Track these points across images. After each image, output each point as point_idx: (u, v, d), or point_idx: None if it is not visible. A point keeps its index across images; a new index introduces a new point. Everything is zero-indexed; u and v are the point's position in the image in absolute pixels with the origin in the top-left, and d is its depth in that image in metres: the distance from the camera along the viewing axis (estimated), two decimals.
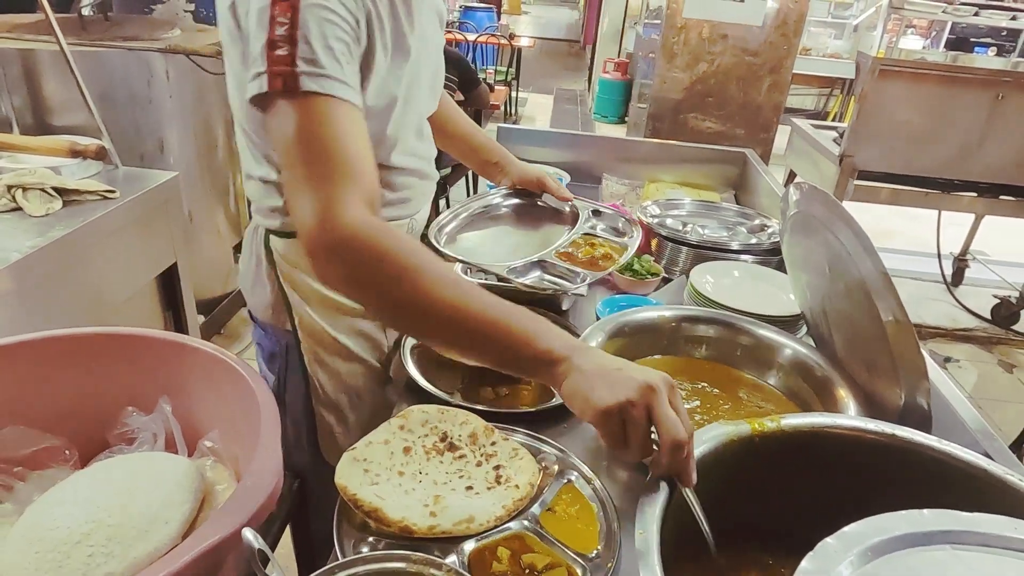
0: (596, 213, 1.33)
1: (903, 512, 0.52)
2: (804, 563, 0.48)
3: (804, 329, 1.18)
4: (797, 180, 0.97)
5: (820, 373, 0.96)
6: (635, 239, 1.27)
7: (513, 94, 6.82)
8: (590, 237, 1.28)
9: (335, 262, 0.72)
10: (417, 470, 0.86)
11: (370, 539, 0.75)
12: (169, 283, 1.90)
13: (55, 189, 1.52)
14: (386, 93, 0.92)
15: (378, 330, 1.11)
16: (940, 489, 0.67)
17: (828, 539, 0.50)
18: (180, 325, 1.96)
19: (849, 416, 0.70)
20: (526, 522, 0.79)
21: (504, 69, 6.76)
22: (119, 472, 0.81)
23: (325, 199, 0.71)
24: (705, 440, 0.67)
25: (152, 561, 0.70)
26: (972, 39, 6.08)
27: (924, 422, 0.80)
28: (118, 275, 1.66)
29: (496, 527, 0.77)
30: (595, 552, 0.75)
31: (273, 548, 0.98)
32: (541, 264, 1.16)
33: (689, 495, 0.61)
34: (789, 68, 2.68)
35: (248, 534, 0.57)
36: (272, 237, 1.02)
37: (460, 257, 1.16)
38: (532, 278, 1.13)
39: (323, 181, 0.72)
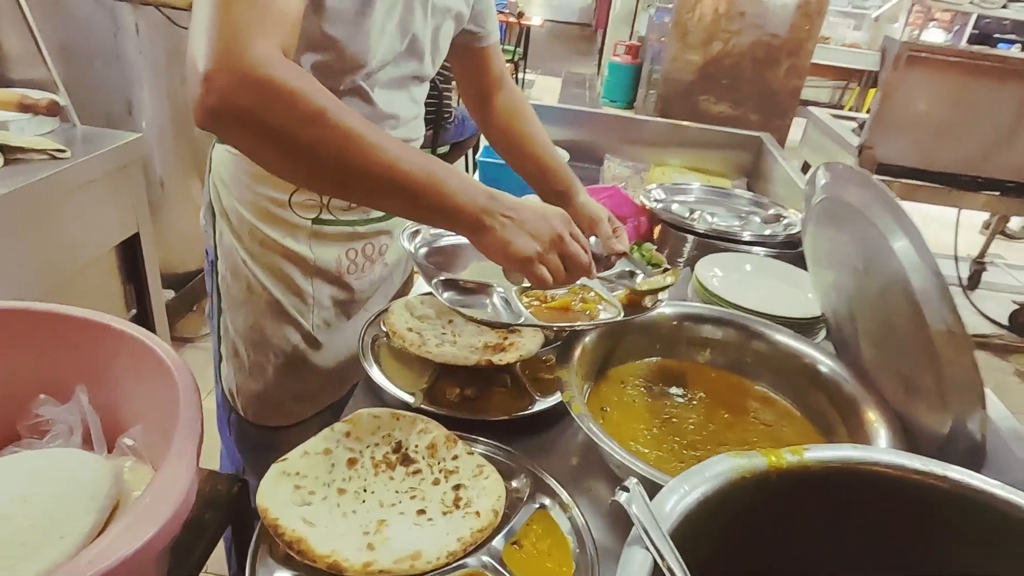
0: (631, 274, 1.03)
1: None
2: None
3: (822, 334, 1.04)
4: (827, 161, 0.82)
5: (846, 389, 0.81)
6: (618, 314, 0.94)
7: (520, 75, 6.63)
8: (588, 288, 1.01)
9: (235, 101, 0.60)
10: (362, 487, 0.72)
11: None
12: (131, 254, 1.76)
13: None
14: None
15: (302, 277, 0.99)
16: (1006, 545, 0.53)
17: None
18: (143, 300, 1.83)
19: (890, 451, 0.56)
20: (485, 558, 0.65)
21: (511, 48, 6.57)
22: (15, 473, 0.69)
23: (231, 30, 0.61)
24: (709, 477, 0.52)
25: None
26: (996, 35, 5.87)
27: (974, 456, 0.66)
28: (69, 242, 1.52)
29: (448, 565, 0.63)
30: None
31: (205, 559, 0.86)
32: (487, 292, 0.93)
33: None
34: (809, 51, 2.52)
35: None
36: (217, 145, 0.97)
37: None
38: (470, 300, 0.92)
39: (232, 14, 0.61)
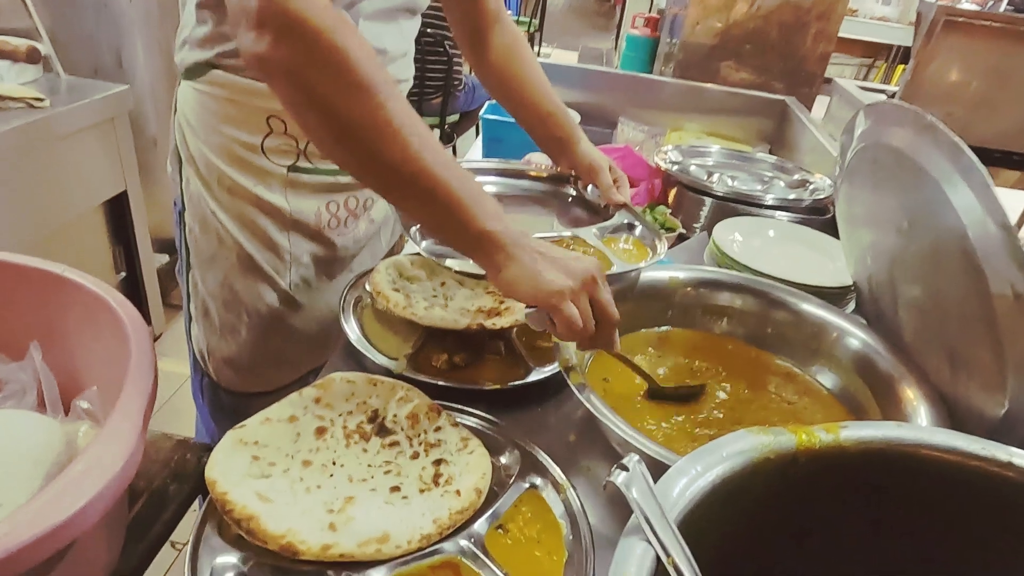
0: (630, 227, 0.99)
1: None
2: None
3: (851, 306, 0.94)
4: (871, 102, 0.72)
5: (880, 365, 0.72)
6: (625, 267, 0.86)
7: (536, 48, 6.47)
8: (581, 241, 0.94)
9: (282, 48, 0.56)
10: (330, 459, 0.64)
11: (239, 561, 0.53)
12: (120, 214, 1.68)
13: None
14: None
15: (277, 230, 0.90)
16: None
17: None
18: (132, 263, 1.76)
19: (943, 431, 0.47)
20: (464, 543, 0.57)
21: (527, 20, 6.40)
22: None
23: None
24: (727, 456, 0.44)
25: None
26: None
27: None
28: (52, 196, 1.45)
29: (420, 550, 0.55)
30: None
31: (169, 532, 0.79)
32: None
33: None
34: (840, 15, 2.37)
35: None
36: (182, 82, 0.88)
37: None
38: (451, 251, 0.85)
39: None
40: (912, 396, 0.68)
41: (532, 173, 1.12)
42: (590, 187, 1.05)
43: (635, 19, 6.33)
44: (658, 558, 0.37)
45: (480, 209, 0.63)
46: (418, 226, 0.79)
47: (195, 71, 0.82)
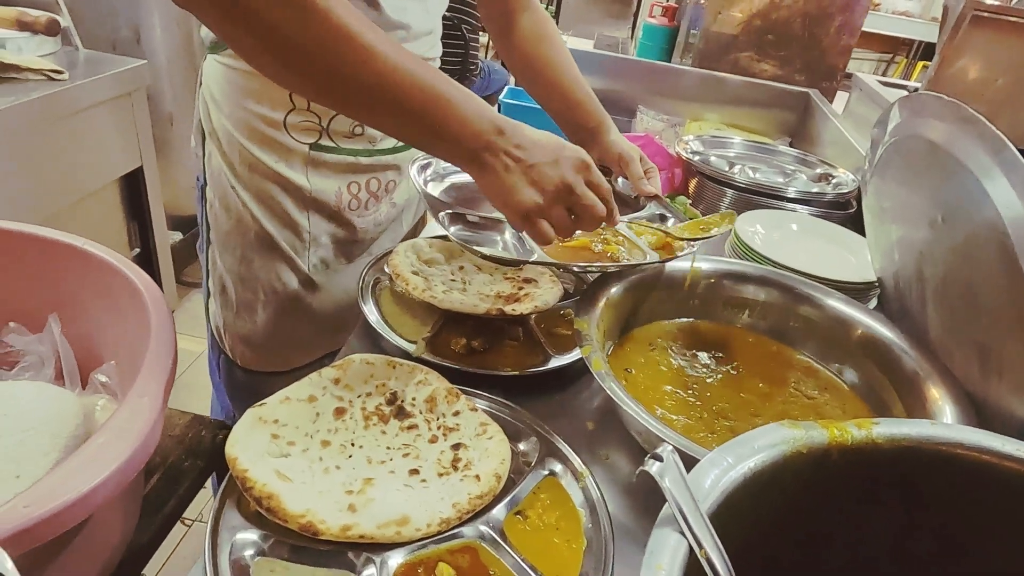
0: (662, 218, 0.95)
1: None
2: None
3: (874, 302, 0.93)
4: (907, 94, 0.70)
5: (906, 362, 0.71)
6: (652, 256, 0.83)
7: None
8: (615, 232, 0.90)
9: None
10: (349, 440, 0.64)
11: (259, 538, 0.53)
12: (135, 190, 1.68)
13: None
14: None
15: (297, 209, 0.90)
16: None
17: None
18: (147, 239, 1.76)
19: (979, 431, 0.46)
20: (483, 528, 0.56)
21: (543, 6, 6.36)
22: None
23: None
24: (759, 449, 0.43)
25: None
26: None
27: None
28: (67, 170, 1.45)
29: (440, 533, 0.55)
30: None
31: (183, 508, 0.79)
32: (498, 228, 0.81)
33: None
34: (865, 7, 2.33)
35: None
36: (208, 56, 0.87)
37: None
38: (479, 236, 0.80)
39: None
40: (938, 395, 0.67)
41: None
42: (620, 178, 1.03)
43: (652, 7, 6.23)
44: (691, 549, 0.36)
45: (451, 110, 0.59)
46: (449, 212, 0.77)
47: (220, 43, 0.81)
